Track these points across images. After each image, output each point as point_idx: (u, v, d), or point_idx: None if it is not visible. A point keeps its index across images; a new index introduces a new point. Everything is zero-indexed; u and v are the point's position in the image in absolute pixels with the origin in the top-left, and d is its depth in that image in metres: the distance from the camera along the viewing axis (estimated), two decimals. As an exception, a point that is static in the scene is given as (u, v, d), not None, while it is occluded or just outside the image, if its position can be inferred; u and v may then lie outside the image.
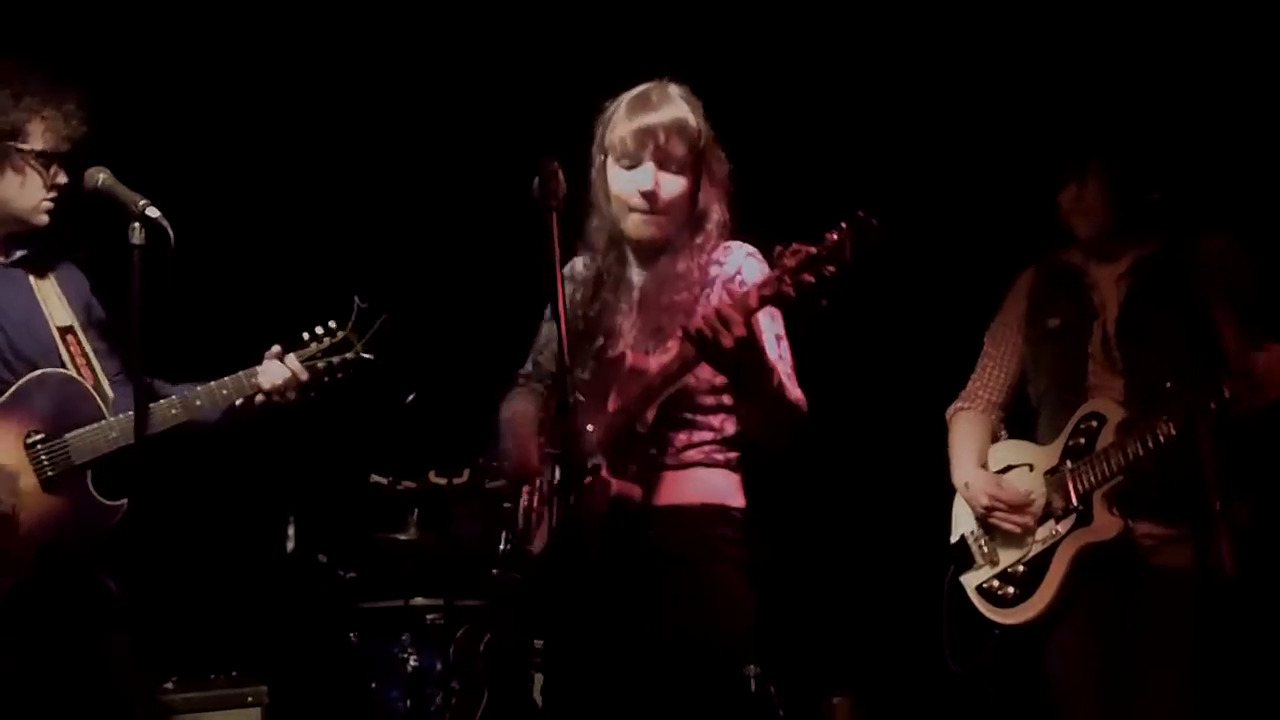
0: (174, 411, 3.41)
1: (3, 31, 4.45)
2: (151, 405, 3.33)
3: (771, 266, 2.71)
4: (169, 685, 4.59)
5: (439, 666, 5.06)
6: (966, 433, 3.90)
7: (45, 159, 3.40)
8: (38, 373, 3.36)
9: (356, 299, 3.57)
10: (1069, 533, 3.57)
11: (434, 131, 5.53)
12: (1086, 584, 3.56)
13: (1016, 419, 3.93)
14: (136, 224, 3.07)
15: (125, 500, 3.33)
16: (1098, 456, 3.51)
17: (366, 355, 3.57)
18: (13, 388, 3.33)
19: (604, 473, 2.97)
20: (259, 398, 3.49)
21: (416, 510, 5.10)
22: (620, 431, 2.99)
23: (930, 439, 4.11)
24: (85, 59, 4.71)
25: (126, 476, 3.33)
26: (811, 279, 2.61)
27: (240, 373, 3.49)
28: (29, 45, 4.36)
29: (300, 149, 5.45)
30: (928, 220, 5.16)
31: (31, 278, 3.50)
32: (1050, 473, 3.66)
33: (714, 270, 3.10)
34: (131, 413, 3.25)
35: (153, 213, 3.09)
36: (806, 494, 5.39)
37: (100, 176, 3.18)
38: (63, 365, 3.42)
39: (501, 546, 3.24)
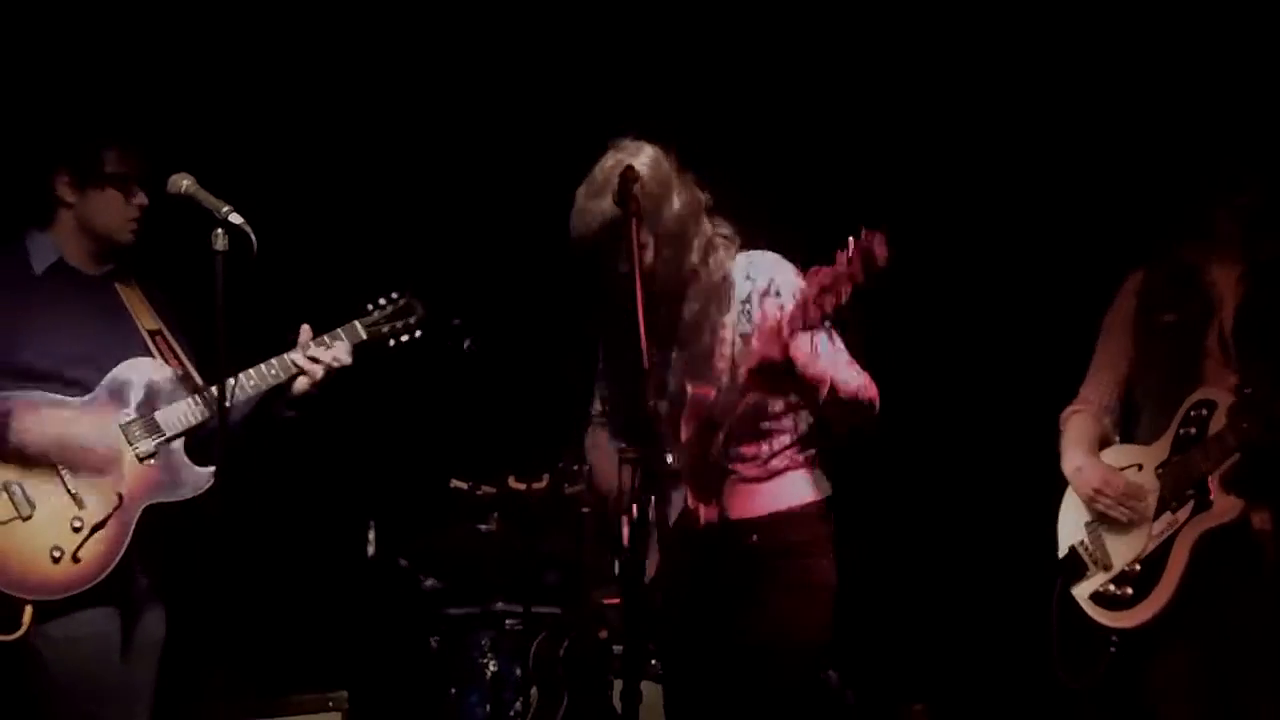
0: (251, 382, 3.63)
1: (78, 63, 4.59)
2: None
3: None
4: (251, 692, 4.63)
5: (518, 672, 5.07)
6: (1080, 430, 3.79)
7: (124, 183, 3.63)
8: (126, 363, 3.61)
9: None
10: (1188, 520, 3.47)
11: (519, 148, 5.51)
12: (1202, 582, 3.46)
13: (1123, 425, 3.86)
14: (220, 230, 3.13)
15: (214, 467, 3.52)
16: (1212, 441, 3.44)
17: (416, 332, 3.82)
18: (104, 381, 3.58)
19: (690, 502, 3.14)
20: (302, 379, 3.67)
21: (496, 515, 5.11)
22: (697, 461, 3.13)
23: (1017, 442, 4.04)
24: (147, 63, 4.83)
25: (213, 446, 3.52)
26: (834, 301, 2.72)
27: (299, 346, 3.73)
28: (102, 76, 4.52)
29: (380, 164, 5.48)
30: (1038, 221, 5.11)
31: (120, 288, 3.75)
32: (1161, 467, 3.57)
33: (746, 286, 3.19)
34: (214, 388, 3.45)
35: (236, 219, 3.14)
36: (892, 499, 5.34)
37: (184, 183, 3.24)
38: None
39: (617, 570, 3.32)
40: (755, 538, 3.17)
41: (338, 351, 3.66)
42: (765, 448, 3.21)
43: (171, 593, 3.72)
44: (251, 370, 3.62)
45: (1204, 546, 3.45)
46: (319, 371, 3.64)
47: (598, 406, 3.54)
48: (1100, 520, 3.67)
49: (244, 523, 3.17)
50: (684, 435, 3.15)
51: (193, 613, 3.69)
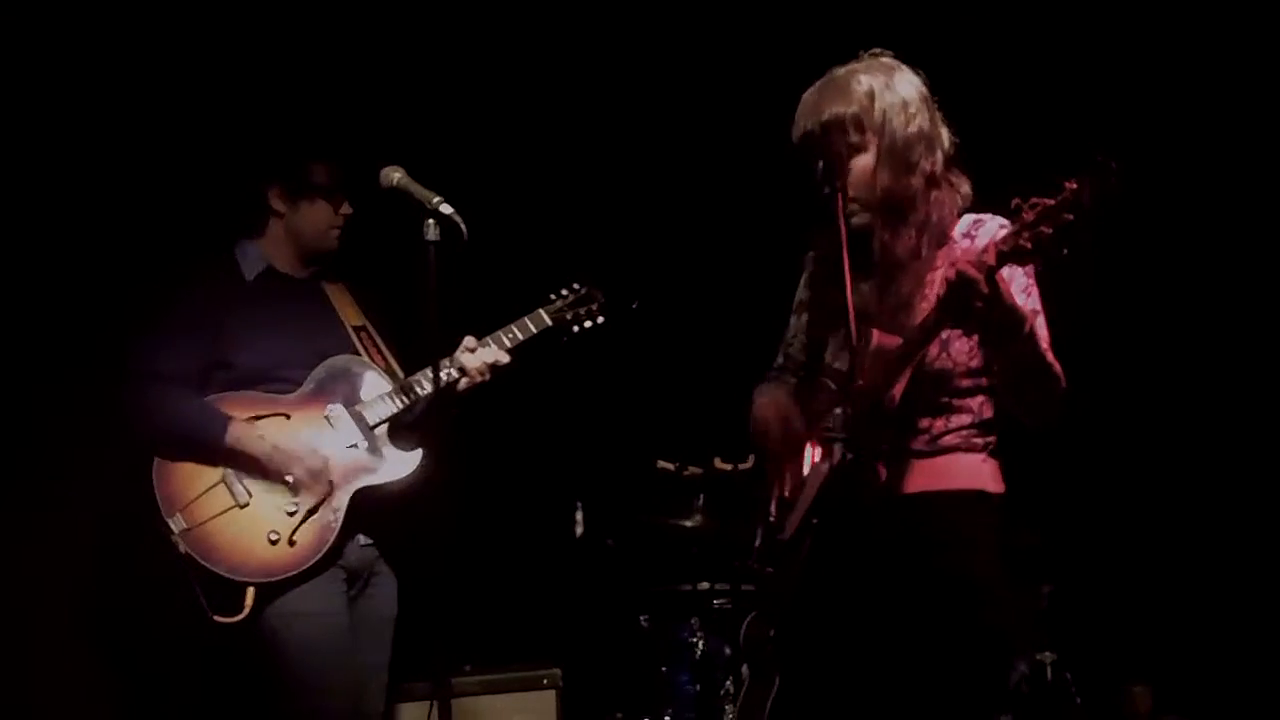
0: (451, 370, 3.84)
1: (287, 77, 4.76)
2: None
3: (1011, 221, 2.61)
4: (467, 669, 4.74)
5: (727, 651, 5.08)
6: None
7: (331, 193, 3.85)
8: (329, 360, 3.82)
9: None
10: None
11: (716, 141, 5.48)
12: None
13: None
14: (431, 220, 3.20)
15: (420, 451, 3.79)
16: None
17: (599, 319, 4.09)
18: (311, 376, 3.78)
19: (849, 455, 2.86)
20: (464, 379, 3.88)
21: (702, 496, 5.13)
22: (865, 408, 2.87)
23: (1231, 414, 3.91)
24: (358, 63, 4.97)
25: (420, 434, 3.84)
26: (1049, 230, 2.50)
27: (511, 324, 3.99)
28: (307, 92, 4.69)
29: (571, 146, 5.52)
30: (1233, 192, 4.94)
31: (327, 287, 3.97)
32: None
33: (964, 244, 2.96)
34: (413, 379, 3.83)
35: (446, 209, 3.21)
36: (1104, 475, 5.21)
37: (395, 175, 3.31)
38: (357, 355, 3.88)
39: (757, 542, 3.18)
40: (907, 520, 2.89)
41: (487, 355, 3.88)
42: (940, 423, 2.95)
43: (400, 571, 3.87)
44: (429, 370, 3.75)
45: None
46: (475, 376, 3.86)
47: (780, 360, 3.36)
48: None
49: (458, 505, 3.25)
50: (860, 385, 2.90)
51: (415, 591, 3.84)
